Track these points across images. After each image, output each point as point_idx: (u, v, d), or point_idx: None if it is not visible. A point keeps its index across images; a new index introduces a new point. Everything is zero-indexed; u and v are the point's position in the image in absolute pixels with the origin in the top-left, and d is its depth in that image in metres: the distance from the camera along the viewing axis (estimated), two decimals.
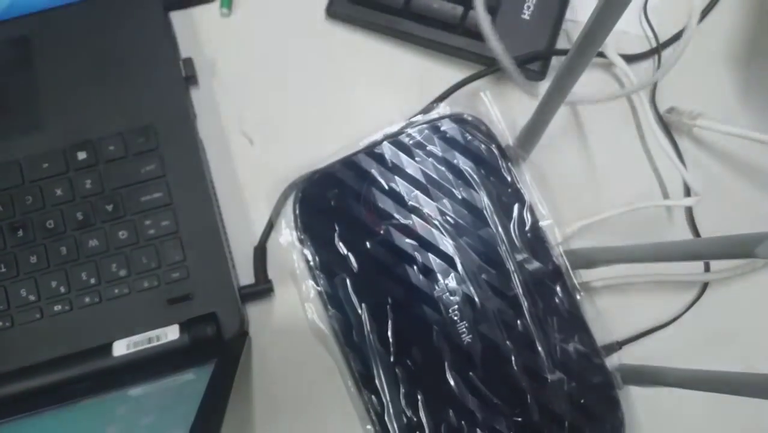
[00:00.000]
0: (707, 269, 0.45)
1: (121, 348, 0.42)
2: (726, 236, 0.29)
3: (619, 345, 0.44)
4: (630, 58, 0.47)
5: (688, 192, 0.46)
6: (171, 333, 0.43)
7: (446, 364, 0.42)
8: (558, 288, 0.43)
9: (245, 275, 0.45)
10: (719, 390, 0.32)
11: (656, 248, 0.35)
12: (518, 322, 0.43)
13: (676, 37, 0.48)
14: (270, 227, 0.46)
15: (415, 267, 0.43)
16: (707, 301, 0.45)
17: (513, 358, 0.42)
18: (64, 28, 0.47)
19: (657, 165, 0.47)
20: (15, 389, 0.42)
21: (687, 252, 0.33)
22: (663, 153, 0.46)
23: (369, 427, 0.42)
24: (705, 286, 0.45)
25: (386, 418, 0.42)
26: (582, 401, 0.42)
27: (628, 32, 0.49)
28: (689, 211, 0.46)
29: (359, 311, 0.43)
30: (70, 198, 0.45)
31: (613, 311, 0.45)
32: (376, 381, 0.42)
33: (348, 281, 0.43)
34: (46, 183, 0.45)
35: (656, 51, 0.48)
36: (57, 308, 0.43)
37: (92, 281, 0.43)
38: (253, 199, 0.47)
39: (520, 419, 0.41)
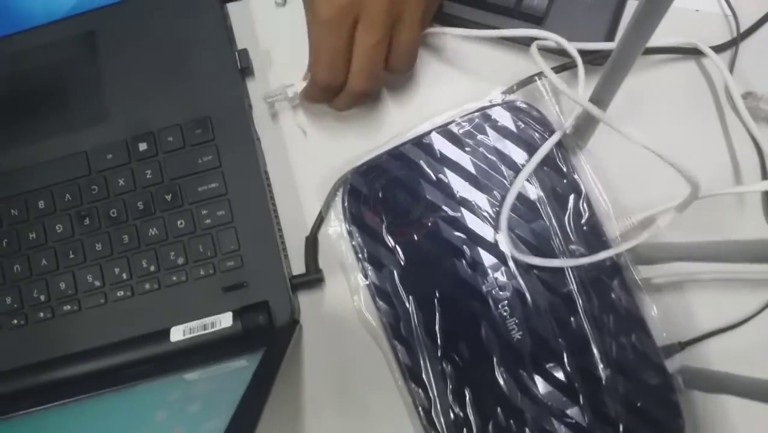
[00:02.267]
0: None
1: (178, 334, 0.44)
2: None
3: (681, 346, 0.41)
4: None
5: (765, 176, 0.43)
6: (225, 320, 0.44)
7: (495, 360, 0.41)
8: (615, 284, 0.41)
9: (297, 265, 0.46)
10: None
11: (725, 247, 0.32)
12: (571, 319, 0.41)
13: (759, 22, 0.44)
14: (321, 218, 0.46)
15: (463, 261, 0.42)
16: None
17: (565, 356, 0.41)
18: (126, 22, 0.48)
19: (729, 151, 0.44)
20: (77, 371, 0.44)
21: (760, 251, 0.31)
22: (736, 138, 0.42)
23: (416, 421, 0.42)
24: None
25: (433, 413, 0.41)
26: (639, 404, 0.40)
27: (701, 11, 0.45)
28: (766, 198, 0.43)
29: (407, 304, 0.43)
30: (131, 188, 0.46)
31: (676, 310, 0.42)
32: (423, 375, 0.42)
33: (395, 273, 0.43)
34: (110, 173, 0.47)
35: (734, 40, 0.44)
36: (120, 293, 0.45)
37: (152, 268, 0.45)
38: (306, 191, 0.47)
39: (572, 420, 0.40)
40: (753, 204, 0.43)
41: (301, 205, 0.47)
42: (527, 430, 0.40)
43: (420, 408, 0.42)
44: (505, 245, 0.42)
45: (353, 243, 0.44)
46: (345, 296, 0.45)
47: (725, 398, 0.39)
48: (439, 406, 0.41)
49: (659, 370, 0.40)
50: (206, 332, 0.44)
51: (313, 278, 0.45)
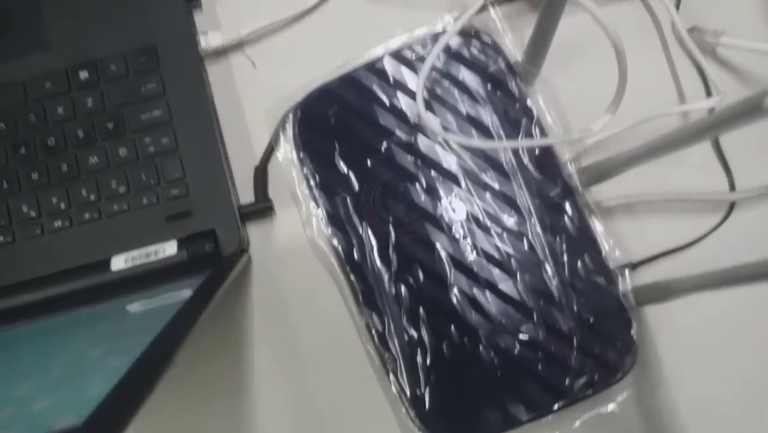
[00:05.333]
0: (732, 187, 0.43)
1: (119, 263, 0.42)
2: (735, 102, 0.27)
3: (633, 266, 0.41)
4: None
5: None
6: (169, 248, 0.42)
7: (449, 282, 0.41)
8: (567, 206, 0.41)
9: (246, 197, 0.44)
10: (736, 283, 0.29)
11: (667, 138, 0.32)
12: (525, 240, 0.41)
13: None
14: (271, 148, 0.45)
15: (417, 185, 0.42)
16: (733, 223, 0.43)
17: (519, 275, 0.40)
18: None
19: (675, 79, 0.45)
20: (13, 302, 0.41)
21: (699, 129, 0.30)
22: (682, 68, 0.43)
23: (369, 346, 0.41)
24: (731, 207, 0.43)
25: (387, 336, 0.40)
26: (591, 320, 0.39)
27: None
28: None
29: (360, 230, 0.42)
30: (71, 116, 0.44)
31: (628, 232, 0.42)
32: (377, 299, 0.41)
33: (349, 200, 0.42)
34: (48, 102, 0.45)
35: None
36: (57, 223, 0.43)
37: (92, 197, 0.43)
38: (255, 122, 0.46)
39: (526, 336, 0.39)
40: None
41: (250, 137, 0.46)
42: (481, 347, 0.39)
43: (373, 331, 0.41)
44: (431, 122, 0.41)
45: (305, 171, 0.43)
46: (296, 227, 0.44)
47: (675, 310, 0.39)
48: (393, 328, 0.40)
49: (611, 288, 0.40)
50: (149, 260, 0.42)
51: (262, 207, 0.44)
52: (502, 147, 0.41)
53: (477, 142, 0.41)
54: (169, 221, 0.43)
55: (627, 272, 0.41)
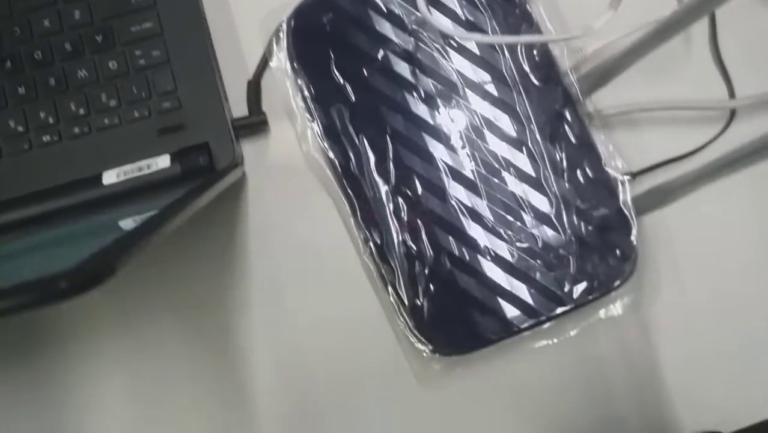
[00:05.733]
0: (732, 95, 0.42)
1: (111, 177, 0.41)
2: None
3: (632, 175, 0.41)
4: None
5: None
6: (162, 162, 0.41)
7: (447, 193, 0.40)
8: (567, 114, 0.41)
9: (239, 111, 0.43)
10: (735, 166, 0.29)
11: (665, 22, 0.32)
12: (524, 148, 0.40)
13: None
14: (265, 60, 0.44)
15: (414, 93, 0.41)
16: (734, 132, 0.42)
17: (518, 184, 0.40)
18: None
19: None
20: (3, 219, 0.40)
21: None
22: None
23: (367, 258, 0.41)
24: (732, 116, 0.42)
25: (385, 248, 0.40)
26: (591, 227, 0.39)
27: None
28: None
29: (357, 143, 0.41)
30: (57, 29, 0.43)
31: (628, 143, 0.42)
32: (375, 212, 0.40)
33: (345, 111, 0.41)
34: (33, 15, 0.43)
35: None
36: (46, 138, 0.42)
37: (81, 111, 0.42)
38: (248, 34, 0.44)
39: (524, 244, 0.39)
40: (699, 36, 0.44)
41: (243, 50, 0.44)
42: (479, 256, 0.39)
43: (371, 244, 0.40)
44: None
45: (299, 82, 0.42)
46: (291, 142, 0.43)
47: (672, 220, 0.39)
48: (394, 240, 0.40)
49: (611, 196, 0.40)
50: (141, 174, 0.41)
51: (256, 120, 0.43)
52: (503, 42, 0.40)
53: (477, 36, 0.40)
54: (162, 135, 0.42)
55: (627, 180, 0.40)
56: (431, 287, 0.39)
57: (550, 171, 0.40)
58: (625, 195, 0.40)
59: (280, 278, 0.42)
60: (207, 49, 0.43)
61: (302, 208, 0.43)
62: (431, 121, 0.41)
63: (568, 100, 0.41)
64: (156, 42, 0.43)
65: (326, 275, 0.42)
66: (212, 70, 0.42)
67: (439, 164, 0.40)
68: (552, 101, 0.41)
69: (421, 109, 0.41)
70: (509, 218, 0.40)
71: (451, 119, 0.41)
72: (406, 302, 0.39)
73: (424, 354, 0.39)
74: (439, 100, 0.41)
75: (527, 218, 0.39)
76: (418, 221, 0.40)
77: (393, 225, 0.40)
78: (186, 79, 0.42)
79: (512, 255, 0.39)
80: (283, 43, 0.43)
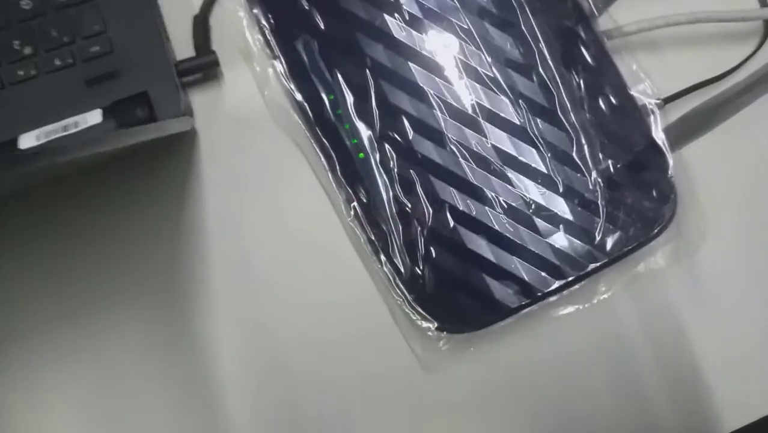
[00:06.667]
0: (764, 3, 0.36)
1: (29, 140, 0.33)
2: None
3: (662, 102, 0.34)
4: None
5: None
6: (92, 118, 0.33)
7: (444, 134, 0.33)
8: (581, 31, 0.33)
9: (185, 52, 0.36)
10: None
11: None
12: (533, 74, 0.33)
13: None
14: None
15: (397, 15, 0.34)
16: None
17: (530, 117, 0.33)
18: None
19: None
20: None
21: None
22: None
23: (353, 222, 0.33)
24: (766, 31, 0.35)
25: (372, 208, 0.33)
26: (620, 165, 0.32)
27: None
28: None
29: (330, 80, 0.33)
30: None
31: (653, 67, 0.35)
32: (358, 165, 0.33)
33: (313, 43, 0.34)
34: None
35: None
36: None
37: None
38: None
39: (543, 191, 0.32)
40: None
41: None
42: (488, 210, 0.32)
43: (355, 204, 0.33)
44: None
45: (255, 12, 0.35)
46: (250, 87, 0.36)
47: (711, 151, 0.33)
48: (380, 198, 0.32)
49: (641, 127, 0.33)
50: (68, 133, 0.33)
51: (205, 62, 0.35)
52: None
53: None
54: (91, 86, 0.34)
55: (657, 108, 0.33)
56: (432, 250, 0.32)
57: (566, 100, 0.33)
58: (657, 124, 0.33)
59: (244, 250, 0.34)
60: None
61: (267, 165, 0.35)
62: (419, 49, 0.33)
63: (581, 16, 0.34)
64: None
65: (301, 244, 0.35)
66: (149, 3, 0.34)
67: (432, 100, 0.33)
68: (562, 17, 0.34)
69: (406, 35, 0.33)
70: (521, 159, 0.32)
71: (443, 45, 0.33)
72: (402, 270, 0.32)
73: (429, 333, 0.32)
74: (426, 22, 0.33)
75: (543, 158, 0.32)
76: (411, 171, 0.33)
77: (380, 178, 0.33)
78: (117, 17, 0.35)
79: (528, 205, 0.32)
80: None
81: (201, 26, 0.36)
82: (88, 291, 0.35)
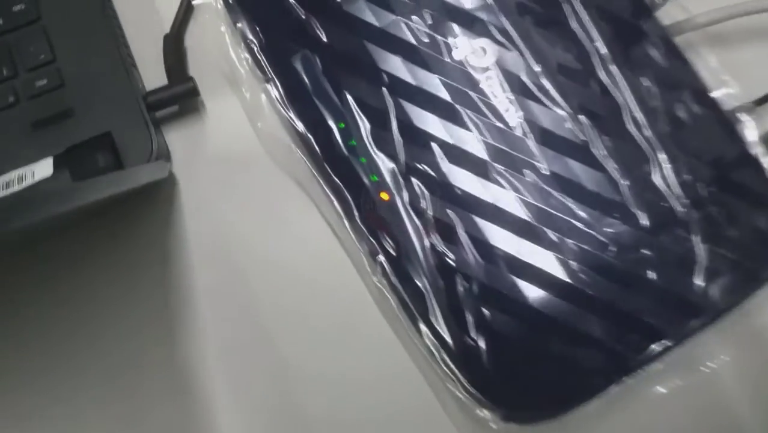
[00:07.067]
0: None
1: None
2: None
3: (753, 105, 0.27)
4: None
5: None
6: (41, 170, 0.26)
7: (488, 162, 0.26)
8: (644, 25, 0.27)
9: (155, 80, 0.29)
10: None
11: None
12: (591, 81, 0.26)
13: None
14: (187, 3, 0.29)
15: (416, 18, 0.27)
16: None
17: (595, 136, 0.26)
18: None
19: None
20: None
21: None
22: None
23: (378, 279, 0.26)
24: None
25: (405, 262, 0.26)
26: (712, 188, 0.25)
27: None
28: None
29: (339, 104, 0.27)
30: None
31: (735, 62, 0.28)
32: (380, 207, 0.26)
33: (314, 59, 0.27)
34: None
35: None
36: None
37: None
38: None
39: (621, 228, 0.25)
40: None
41: (155, 5, 0.30)
42: (554, 256, 0.25)
43: (382, 258, 0.26)
44: None
45: (240, 25, 0.28)
46: (238, 119, 0.29)
47: None
48: (417, 247, 0.25)
49: (732, 139, 0.26)
50: (10, 192, 0.26)
51: (180, 91, 0.28)
52: None
53: None
54: (39, 129, 0.27)
55: (748, 112, 0.27)
56: (487, 313, 0.25)
57: (638, 110, 0.26)
58: (752, 133, 0.26)
59: (243, 321, 0.27)
60: None
61: (265, 214, 0.29)
62: (447, 58, 0.27)
63: (641, 7, 0.27)
64: None
65: (314, 310, 0.28)
66: (107, 23, 0.28)
67: (468, 121, 0.26)
68: (620, 10, 0.27)
69: (429, 42, 0.27)
70: (588, 187, 0.25)
71: (477, 51, 0.27)
72: (450, 342, 0.25)
73: (492, 425, 0.24)
74: (454, 25, 0.27)
75: (615, 184, 0.25)
76: (450, 212, 0.26)
77: (411, 223, 0.26)
78: (68, 41, 0.28)
79: (603, 246, 0.25)
80: None
81: (173, 47, 0.29)
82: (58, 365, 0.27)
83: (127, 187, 0.26)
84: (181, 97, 0.28)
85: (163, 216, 0.28)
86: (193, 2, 0.29)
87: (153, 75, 0.29)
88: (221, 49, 0.28)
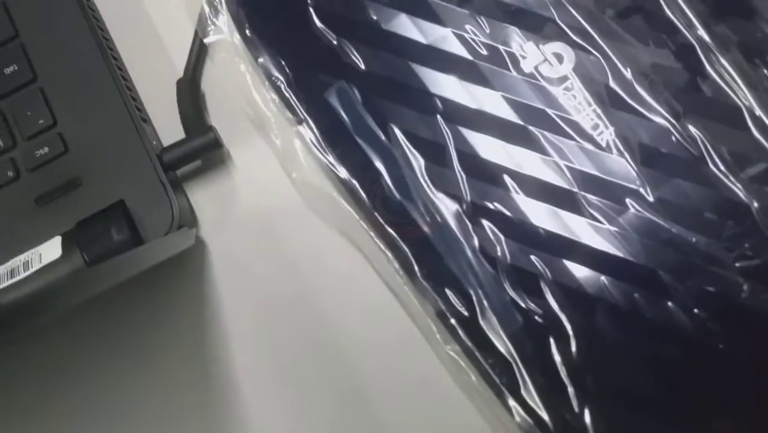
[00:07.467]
0: None
1: None
2: None
3: None
4: None
5: None
6: (48, 253, 0.23)
7: (579, 196, 0.21)
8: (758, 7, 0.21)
9: (171, 134, 0.25)
10: None
11: None
12: (698, 80, 0.21)
13: None
14: (199, 45, 0.25)
15: (469, 27, 0.22)
16: None
17: (711, 151, 0.20)
18: None
19: None
20: None
21: None
22: None
23: (452, 347, 0.21)
24: None
25: (483, 323, 0.20)
26: None
27: None
28: None
29: (386, 141, 0.22)
30: None
31: None
32: (448, 258, 0.21)
33: (353, 90, 0.23)
34: None
35: None
36: None
37: None
38: (166, 12, 0.26)
39: (744, 263, 0.19)
40: None
41: (162, 40, 0.26)
42: (673, 308, 0.19)
43: (453, 320, 0.21)
44: None
45: (262, 60, 0.23)
46: (272, 173, 0.25)
47: None
48: (491, 305, 0.20)
49: None
50: (14, 281, 0.22)
51: (200, 144, 0.24)
52: None
53: None
54: (44, 204, 0.24)
55: None
56: (591, 384, 0.19)
57: (763, 109, 0.20)
58: None
59: (293, 418, 0.22)
60: (98, 44, 0.24)
61: (308, 273, 0.24)
62: (512, 71, 0.22)
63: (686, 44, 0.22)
64: (11, 51, 0.24)
65: (371, 381, 0.23)
66: (111, 76, 0.24)
67: (546, 145, 0.21)
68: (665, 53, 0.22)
69: (488, 54, 0.22)
70: (710, 215, 0.20)
71: (554, 56, 0.22)
72: (547, 420, 0.20)
73: None
74: (517, 30, 0.22)
75: (747, 209, 0.20)
76: (533, 258, 0.20)
77: (485, 275, 0.21)
78: (69, 102, 0.24)
79: (739, 290, 0.19)
80: (224, 8, 0.24)
81: (189, 94, 0.25)
82: None
83: (147, 265, 0.22)
84: (202, 151, 0.24)
85: (192, 286, 0.24)
86: (206, 40, 0.24)
87: (168, 128, 0.25)
88: (243, 90, 0.24)
